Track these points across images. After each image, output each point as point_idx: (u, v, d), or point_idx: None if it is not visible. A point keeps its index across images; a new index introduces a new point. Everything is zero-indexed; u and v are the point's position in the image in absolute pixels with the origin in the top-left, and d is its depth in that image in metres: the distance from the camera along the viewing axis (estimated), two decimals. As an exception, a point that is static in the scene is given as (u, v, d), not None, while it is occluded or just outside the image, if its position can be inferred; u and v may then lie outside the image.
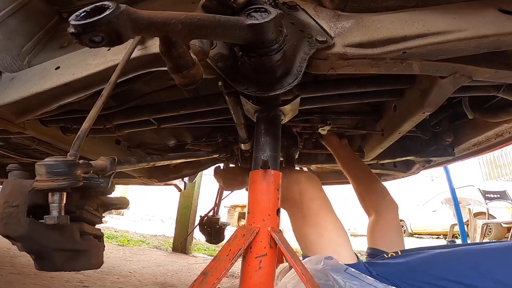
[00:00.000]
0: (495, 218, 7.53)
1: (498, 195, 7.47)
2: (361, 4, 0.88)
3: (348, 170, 1.95)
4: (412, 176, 2.62)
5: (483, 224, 6.58)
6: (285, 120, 1.10)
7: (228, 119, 1.47)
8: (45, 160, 0.64)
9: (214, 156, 1.84)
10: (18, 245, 0.69)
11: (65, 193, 0.65)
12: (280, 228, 0.89)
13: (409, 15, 0.85)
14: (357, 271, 0.99)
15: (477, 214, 7.29)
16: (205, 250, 6.33)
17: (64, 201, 0.65)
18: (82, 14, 0.47)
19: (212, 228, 2.77)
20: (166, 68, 0.70)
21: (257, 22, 0.67)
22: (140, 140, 2.14)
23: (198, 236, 6.17)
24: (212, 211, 2.84)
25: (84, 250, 0.75)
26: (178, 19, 0.57)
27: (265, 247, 0.81)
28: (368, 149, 1.92)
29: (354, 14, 0.88)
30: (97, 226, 0.84)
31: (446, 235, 8.43)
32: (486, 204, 7.21)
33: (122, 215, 14.54)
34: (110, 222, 9.85)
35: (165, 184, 2.94)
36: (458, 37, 0.81)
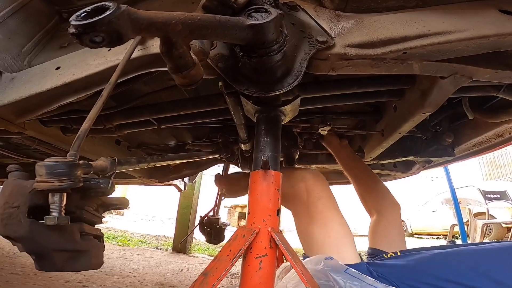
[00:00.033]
0: (495, 218, 7.54)
1: (498, 195, 7.49)
2: (361, 4, 0.88)
3: (349, 171, 1.94)
4: (412, 176, 2.62)
5: (483, 224, 6.58)
6: (285, 120, 1.10)
7: (228, 119, 1.47)
8: (45, 160, 0.64)
9: (214, 156, 1.84)
10: (19, 245, 0.69)
11: (65, 194, 0.65)
12: (280, 228, 0.89)
13: (410, 16, 0.85)
14: (357, 271, 0.99)
15: (477, 214, 7.29)
16: (205, 250, 6.33)
17: (65, 202, 0.65)
18: (83, 14, 0.47)
19: (212, 228, 2.76)
20: (166, 69, 0.70)
21: (257, 22, 0.67)
22: (140, 140, 2.14)
23: (198, 236, 6.17)
24: (212, 211, 2.84)
25: (84, 250, 0.75)
26: (178, 19, 0.57)
27: (265, 248, 0.81)
28: (368, 150, 1.92)
29: (355, 15, 0.88)
30: (97, 226, 0.84)
31: (446, 235, 8.43)
32: (486, 204, 7.21)
33: (122, 215, 14.53)
34: (110, 222, 9.85)
35: (165, 184, 2.94)
36: (459, 38, 0.81)
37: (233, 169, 2.94)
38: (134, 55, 0.84)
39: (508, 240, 6.89)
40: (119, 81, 0.81)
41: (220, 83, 0.98)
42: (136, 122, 1.51)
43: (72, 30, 0.46)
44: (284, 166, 1.81)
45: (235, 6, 0.72)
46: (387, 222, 1.67)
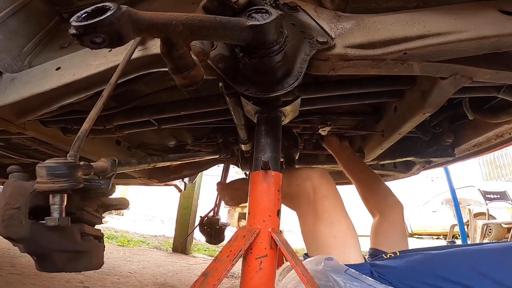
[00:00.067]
0: (495, 218, 7.54)
1: (498, 196, 7.49)
2: (361, 5, 0.88)
3: (350, 172, 1.94)
4: (412, 176, 2.62)
5: (483, 225, 6.58)
6: (285, 121, 1.10)
7: (228, 119, 1.47)
8: (46, 162, 0.64)
9: (215, 156, 1.84)
10: (20, 246, 0.69)
11: (66, 195, 0.65)
12: (280, 228, 0.89)
13: (410, 16, 0.85)
14: (357, 272, 0.99)
15: (477, 215, 7.29)
16: (205, 250, 6.33)
17: (65, 203, 0.65)
18: (83, 15, 0.47)
19: (212, 229, 2.76)
20: (166, 69, 0.70)
21: (258, 23, 0.67)
22: (140, 141, 2.14)
23: (198, 236, 6.17)
24: (212, 211, 2.84)
25: (84, 251, 0.75)
26: (179, 20, 0.57)
27: (265, 248, 0.81)
28: (368, 150, 1.91)
29: (355, 15, 0.88)
30: (97, 226, 0.84)
31: (446, 235, 8.43)
32: (486, 204, 7.21)
33: (122, 215, 14.52)
34: (110, 222, 9.84)
35: (165, 185, 2.94)
36: (459, 38, 0.81)
37: (233, 169, 2.95)
38: (134, 55, 0.84)
39: (508, 240, 6.89)
40: (119, 81, 0.81)
41: (220, 84, 0.98)
42: (136, 122, 1.51)
43: (72, 31, 0.46)
44: (287, 166, 1.82)
45: (236, 7, 0.71)
46: (389, 223, 1.67)
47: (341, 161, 1.97)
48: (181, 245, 5.82)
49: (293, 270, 1.05)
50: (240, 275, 0.83)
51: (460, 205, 6.21)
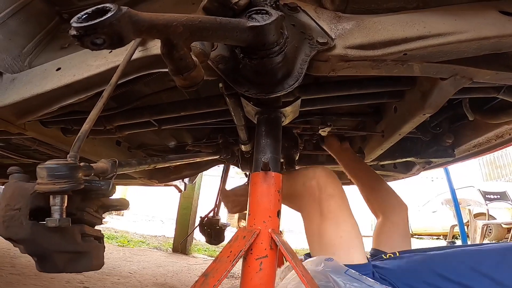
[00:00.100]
0: (495, 219, 7.53)
1: (498, 196, 7.48)
2: (361, 5, 0.88)
3: (352, 174, 1.92)
4: (412, 177, 2.62)
5: (483, 225, 6.57)
6: (285, 121, 1.10)
7: (228, 120, 1.47)
8: (46, 163, 0.64)
9: (215, 157, 1.84)
10: (20, 247, 0.69)
11: (66, 196, 0.65)
12: (280, 229, 0.89)
13: (410, 17, 0.85)
14: (357, 272, 0.99)
15: (477, 215, 7.27)
16: (205, 251, 6.33)
17: (66, 204, 0.65)
18: (84, 16, 0.47)
19: (212, 229, 2.77)
20: (167, 70, 0.70)
21: (258, 24, 0.67)
22: (140, 141, 2.14)
23: (198, 237, 6.17)
24: (212, 212, 2.84)
25: (85, 251, 0.75)
26: (179, 21, 0.57)
27: (265, 249, 0.81)
28: (368, 150, 1.91)
29: (355, 16, 0.88)
30: (97, 227, 0.84)
31: (446, 236, 8.42)
32: (486, 205, 7.20)
33: (122, 215, 14.52)
34: (110, 223, 9.84)
35: (165, 185, 2.94)
36: (459, 39, 0.81)
37: (233, 169, 2.95)
38: (134, 56, 0.84)
39: (508, 240, 6.89)
40: (119, 82, 0.81)
41: (220, 85, 0.98)
42: (136, 123, 1.51)
43: (73, 32, 0.46)
44: (287, 167, 1.81)
45: (236, 8, 0.71)
46: (392, 224, 1.65)
47: (342, 163, 1.96)
48: (181, 245, 5.82)
49: (293, 270, 1.05)
50: (240, 275, 0.83)
51: (460, 206, 6.21)
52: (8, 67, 1.06)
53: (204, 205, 4.43)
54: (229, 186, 3.05)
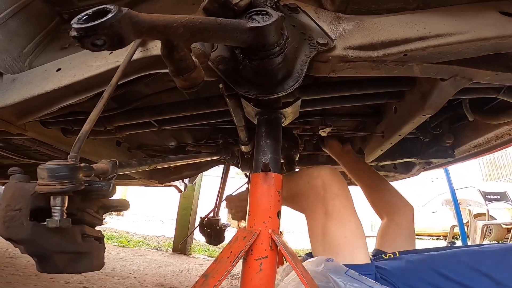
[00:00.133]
0: (495, 219, 7.53)
1: (498, 196, 7.47)
2: (362, 6, 0.88)
3: (355, 176, 1.90)
4: (412, 177, 2.62)
5: (483, 225, 6.58)
6: (286, 122, 1.10)
7: (228, 121, 1.47)
8: (47, 163, 0.64)
9: (215, 157, 1.84)
10: (21, 248, 0.69)
11: (67, 196, 0.65)
12: (280, 229, 0.89)
13: (410, 17, 0.85)
14: (357, 273, 0.99)
15: (477, 215, 7.28)
16: (205, 251, 6.33)
17: (66, 204, 0.65)
18: (84, 17, 0.47)
19: (212, 229, 2.77)
20: (167, 70, 0.70)
21: (258, 25, 0.67)
22: (140, 142, 2.14)
23: (198, 237, 6.16)
24: (213, 212, 2.84)
25: (85, 252, 0.76)
26: (179, 22, 0.57)
27: (265, 249, 0.81)
28: (368, 151, 1.91)
29: (355, 16, 0.88)
30: (97, 227, 0.84)
31: (446, 236, 8.42)
32: (486, 205, 7.20)
33: (122, 215, 14.50)
34: (110, 223, 9.83)
35: (165, 185, 2.94)
36: (459, 40, 0.81)
37: (233, 169, 2.95)
38: (134, 57, 0.84)
39: (508, 241, 6.89)
40: (120, 83, 0.81)
41: (220, 85, 0.98)
42: (136, 123, 1.51)
43: (73, 33, 0.46)
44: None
45: (236, 9, 0.71)
46: (397, 226, 1.63)
47: (345, 165, 1.94)
48: (181, 245, 5.82)
49: (293, 271, 1.05)
50: (240, 276, 0.83)
51: (460, 206, 6.20)
52: (9, 67, 1.06)
53: (204, 206, 4.43)
54: (229, 186, 3.06)
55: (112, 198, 0.82)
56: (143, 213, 15.31)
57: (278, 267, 1.18)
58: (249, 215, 0.87)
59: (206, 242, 2.89)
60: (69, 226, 0.65)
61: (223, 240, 2.84)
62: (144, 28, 0.53)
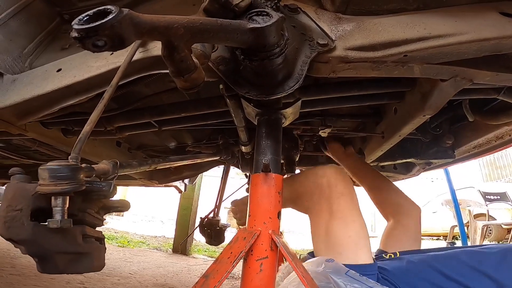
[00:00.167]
0: (495, 219, 7.53)
1: (498, 197, 7.46)
2: (362, 6, 0.88)
3: (359, 178, 1.88)
4: (412, 178, 2.62)
5: (483, 226, 6.57)
6: (286, 123, 1.10)
7: (229, 121, 1.47)
8: (48, 164, 0.64)
9: (215, 158, 1.84)
10: (21, 248, 0.69)
11: (68, 197, 0.65)
12: (280, 229, 0.89)
13: (410, 18, 0.85)
14: (358, 273, 0.99)
15: (477, 216, 7.27)
16: (205, 251, 6.33)
17: (67, 205, 0.65)
18: (85, 18, 0.47)
19: (213, 230, 2.77)
20: (167, 71, 0.70)
21: (259, 26, 0.67)
22: (140, 142, 2.14)
23: (199, 237, 6.17)
24: (213, 212, 2.84)
25: (86, 252, 0.76)
26: (180, 23, 0.57)
27: (266, 250, 0.81)
28: (368, 151, 1.91)
29: (355, 17, 0.88)
30: (97, 228, 0.85)
31: (446, 236, 8.42)
32: (486, 205, 7.20)
33: (122, 216, 14.50)
34: (110, 223, 9.83)
35: (165, 186, 2.95)
36: (459, 40, 0.81)
37: (233, 170, 2.95)
38: (135, 57, 0.84)
39: (508, 241, 6.88)
40: (120, 83, 0.81)
41: (221, 86, 0.98)
42: (137, 124, 1.51)
43: (74, 34, 0.46)
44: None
45: (237, 10, 0.71)
46: (404, 228, 1.62)
47: (349, 169, 1.92)
48: (181, 246, 5.83)
49: (293, 271, 1.04)
50: (240, 276, 0.83)
51: (460, 206, 6.19)
52: (9, 68, 1.06)
53: (204, 206, 4.43)
54: (229, 186, 3.06)
55: (113, 198, 0.82)
56: (143, 214, 15.32)
57: (279, 266, 1.18)
58: (249, 216, 0.88)
59: (206, 242, 2.90)
60: (70, 226, 0.65)
61: (223, 241, 2.85)
62: (145, 29, 0.53)
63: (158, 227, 11.43)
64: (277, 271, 1.08)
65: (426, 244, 10.12)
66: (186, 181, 3.24)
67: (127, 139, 2.05)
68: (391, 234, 1.64)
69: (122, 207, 0.92)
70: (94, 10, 0.48)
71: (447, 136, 1.71)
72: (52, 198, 0.64)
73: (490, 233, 7.67)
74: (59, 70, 0.99)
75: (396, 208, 1.69)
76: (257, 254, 0.81)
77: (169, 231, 7.95)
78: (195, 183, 5.29)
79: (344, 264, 1.00)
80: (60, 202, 0.64)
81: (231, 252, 0.80)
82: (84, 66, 0.96)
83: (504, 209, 7.78)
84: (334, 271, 0.97)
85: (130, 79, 0.94)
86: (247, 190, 1.68)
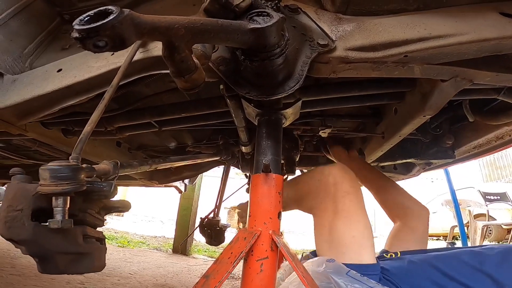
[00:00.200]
0: (495, 219, 7.52)
1: (498, 197, 7.46)
2: (362, 7, 0.88)
3: (365, 181, 1.87)
4: (412, 178, 2.62)
5: (483, 226, 6.57)
6: (286, 123, 1.10)
7: (229, 121, 1.47)
8: (49, 164, 0.64)
9: (215, 158, 1.84)
10: (22, 248, 0.69)
11: (68, 197, 0.65)
12: (280, 230, 0.89)
13: (411, 19, 0.85)
14: (358, 274, 0.99)
15: (477, 216, 7.27)
16: (205, 251, 6.33)
17: (68, 205, 0.65)
18: (86, 18, 0.47)
19: (213, 230, 2.77)
20: (168, 71, 0.70)
21: (259, 26, 0.67)
22: (140, 142, 2.14)
23: (199, 237, 6.17)
24: (213, 213, 2.84)
25: (87, 253, 0.76)
26: (181, 23, 0.57)
27: (266, 250, 0.81)
28: (368, 152, 1.91)
29: (356, 17, 0.88)
30: (98, 228, 0.85)
31: (446, 236, 8.41)
32: (486, 205, 7.19)
33: (122, 216, 14.50)
34: (110, 223, 9.82)
35: (165, 186, 2.95)
36: (460, 41, 0.81)
37: (233, 170, 2.95)
38: (135, 57, 0.84)
39: (508, 241, 6.88)
40: (120, 83, 0.81)
41: (221, 86, 0.98)
42: (137, 124, 1.51)
43: (75, 34, 0.46)
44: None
45: (237, 10, 0.71)
46: (411, 230, 1.62)
47: (353, 172, 1.91)
48: (181, 246, 5.82)
49: (294, 272, 1.04)
50: (241, 276, 0.83)
51: (460, 206, 6.19)
52: (9, 68, 1.06)
53: (204, 206, 4.43)
54: (229, 187, 3.07)
55: (113, 199, 0.82)
56: (143, 214, 15.32)
57: (280, 264, 1.18)
58: (249, 216, 0.88)
59: (206, 242, 2.90)
60: (70, 227, 0.65)
61: (223, 241, 2.85)
62: (146, 29, 0.53)
63: (158, 227, 11.43)
64: (279, 268, 1.08)
65: (426, 244, 10.11)
66: (186, 181, 3.24)
67: (127, 139, 2.05)
68: (397, 236, 1.63)
69: (122, 207, 0.92)
70: (95, 10, 0.48)
71: (447, 136, 1.71)
72: (53, 198, 0.64)
73: (490, 233, 7.67)
74: (59, 70, 0.99)
75: (404, 210, 1.69)
76: (257, 255, 0.81)
77: (169, 231, 7.95)
78: (195, 183, 5.29)
79: (345, 264, 1.00)
80: (61, 202, 0.64)
81: (232, 253, 0.80)
82: (84, 66, 0.96)
83: (504, 209, 7.77)
84: (335, 271, 0.97)
85: (131, 79, 0.94)
86: (247, 191, 1.69)
